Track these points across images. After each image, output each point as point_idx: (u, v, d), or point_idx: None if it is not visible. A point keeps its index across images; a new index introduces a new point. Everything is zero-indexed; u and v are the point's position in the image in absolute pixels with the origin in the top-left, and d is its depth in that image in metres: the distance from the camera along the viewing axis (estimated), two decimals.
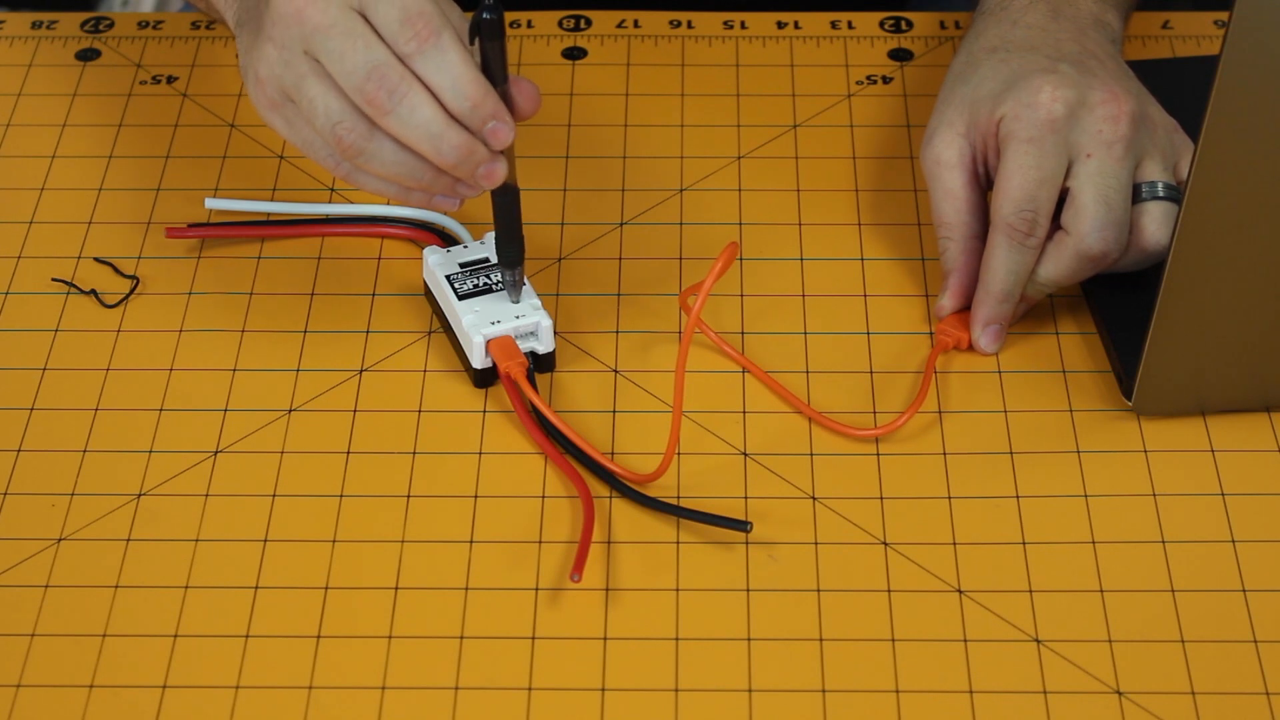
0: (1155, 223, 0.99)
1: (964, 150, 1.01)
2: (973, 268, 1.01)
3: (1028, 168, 0.98)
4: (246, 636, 0.89)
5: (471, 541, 0.93)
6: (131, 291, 1.05)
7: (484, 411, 0.99)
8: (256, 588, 0.91)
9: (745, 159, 1.13)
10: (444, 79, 0.91)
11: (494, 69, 0.93)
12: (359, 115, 0.92)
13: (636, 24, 1.21)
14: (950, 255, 1.02)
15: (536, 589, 0.91)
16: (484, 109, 0.92)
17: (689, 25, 1.21)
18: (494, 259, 1.02)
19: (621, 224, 1.09)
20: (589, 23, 1.22)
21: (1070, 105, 0.98)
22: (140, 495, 0.95)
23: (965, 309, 1.02)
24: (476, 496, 0.95)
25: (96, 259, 1.07)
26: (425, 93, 0.91)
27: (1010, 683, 0.88)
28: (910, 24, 1.21)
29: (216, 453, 0.97)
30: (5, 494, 0.96)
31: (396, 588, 0.91)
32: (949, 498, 0.95)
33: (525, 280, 1.00)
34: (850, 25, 1.21)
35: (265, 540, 0.93)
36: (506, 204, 0.98)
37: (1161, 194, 0.99)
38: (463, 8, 0.95)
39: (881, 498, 0.95)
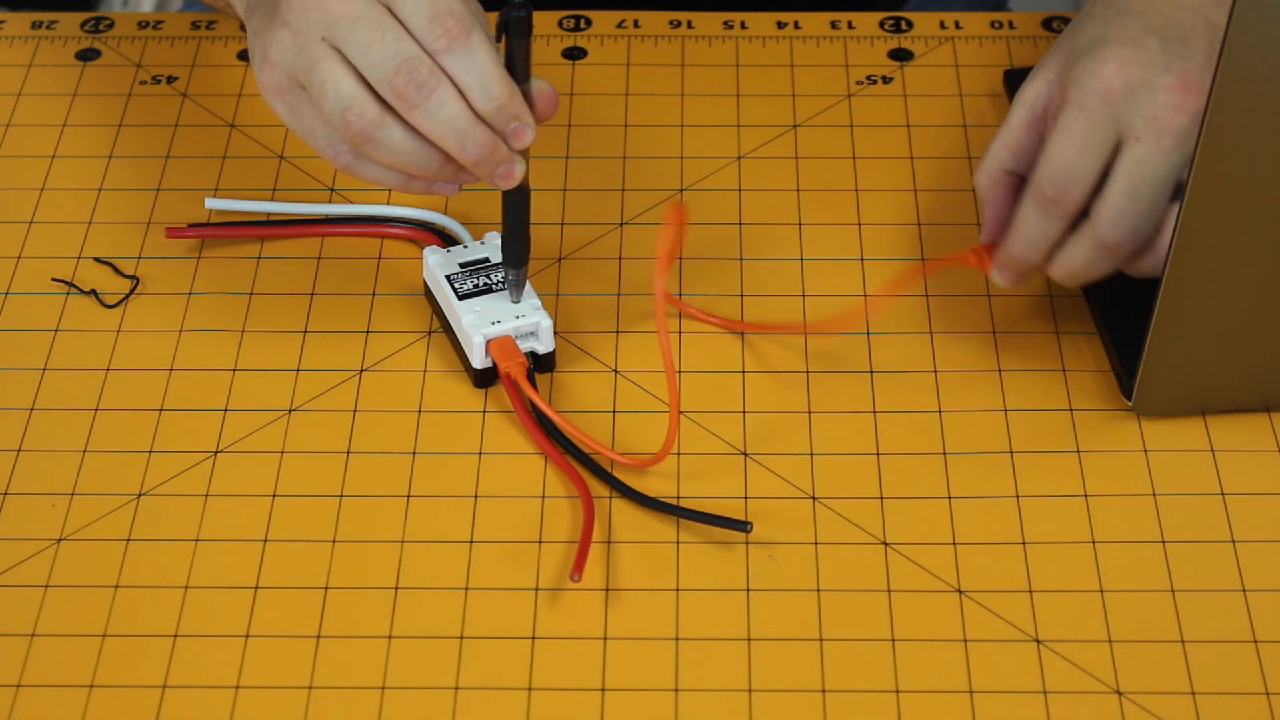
0: None
1: (1041, 94, 0.97)
2: (999, 204, 0.99)
3: (1070, 134, 0.94)
4: (246, 636, 0.89)
5: (471, 541, 0.93)
6: (131, 291, 1.05)
7: (484, 411, 0.99)
8: (256, 588, 0.91)
9: (745, 159, 1.13)
10: (472, 77, 0.91)
11: (518, 67, 0.93)
12: (370, 101, 0.92)
13: (636, 24, 1.21)
14: (978, 186, 0.99)
15: (536, 589, 0.91)
16: (509, 109, 0.92)
17: (689, 25, 1.21)
18: (494, 259, 1.01)
19: (621, 224, 1.09)
20: (589, 23, 1.22)
21: (1131, 83, 0.94)
22: (140, 495, 0.95)
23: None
24: (476, 496, 0.95)
25: (96, 259, 1.07)
26: (453, 89, 0.91)
27: (1010, 683, 0.88)
28: (910, 24, 1.21)
29: (216, 453, 0.97)
30: (5, 494, 0.95)
31: (396, 588, 0.91)
32: (949, 498, 0.95)
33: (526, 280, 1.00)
34: (850, 25, 1.21)
35: (265, 540, 0.93)
36: (518, 203, 0.97)
37: None
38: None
39: (881, 498, 0.95)
